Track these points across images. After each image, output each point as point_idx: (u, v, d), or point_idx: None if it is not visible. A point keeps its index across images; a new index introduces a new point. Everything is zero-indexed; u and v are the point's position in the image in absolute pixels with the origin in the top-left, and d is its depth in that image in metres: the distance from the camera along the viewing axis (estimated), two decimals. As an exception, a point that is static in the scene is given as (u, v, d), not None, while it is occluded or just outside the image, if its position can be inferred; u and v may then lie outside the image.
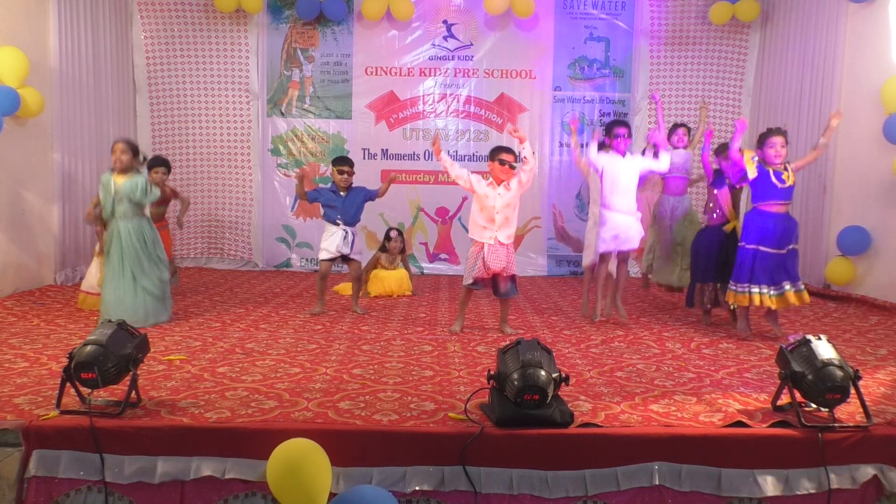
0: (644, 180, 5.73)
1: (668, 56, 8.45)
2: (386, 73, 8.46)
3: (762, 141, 4.76)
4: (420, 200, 8.53)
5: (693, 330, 5.20)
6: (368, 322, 5.33)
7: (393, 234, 6.89)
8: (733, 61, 8.43)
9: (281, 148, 8.52)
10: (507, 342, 3.20)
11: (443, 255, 8.63)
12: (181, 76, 8.37)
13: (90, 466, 2.92)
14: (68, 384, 3.07)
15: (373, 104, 8.49)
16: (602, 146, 5.44)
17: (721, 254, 5.15)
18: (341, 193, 5.69)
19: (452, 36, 8.45)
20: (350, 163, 5.81)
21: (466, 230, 5.42)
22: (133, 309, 4.87)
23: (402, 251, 6.97)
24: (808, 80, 7.25)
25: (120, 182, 4.95)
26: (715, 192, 5.28)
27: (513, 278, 4.97)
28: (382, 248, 6.92)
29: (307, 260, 8.49)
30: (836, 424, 3.05)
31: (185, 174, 8.38)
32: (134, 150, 5.05)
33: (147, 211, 5.25)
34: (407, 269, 6.98)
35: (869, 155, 6.41)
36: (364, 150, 8.46)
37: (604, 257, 5.43)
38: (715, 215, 5.27)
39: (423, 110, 8.54)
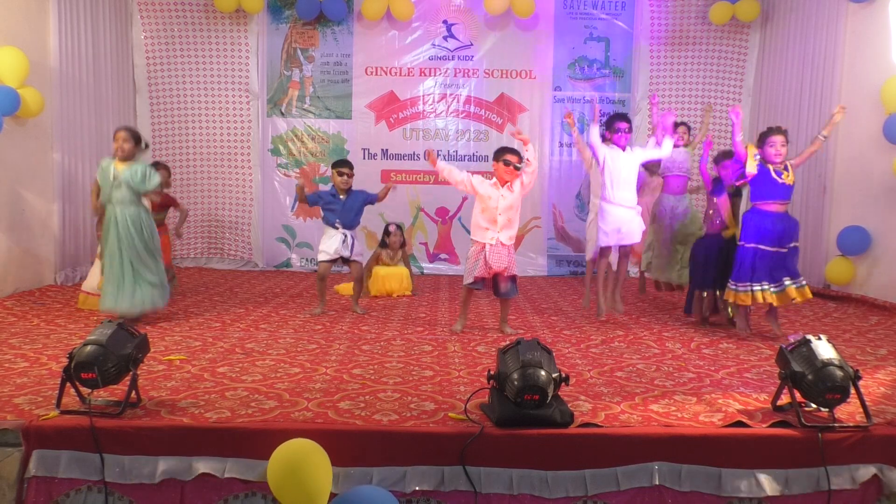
0: (643, 185, 5.70)
1: (668, 56, 8.45)
2: (386, 73, 8.47)
3: (762, 139, 4.76)
4: (420, 200, 8.53)
5: (693, 330, 5.20)
6: (368, 322, 5.33)
7: (392, 228, 6.88)
8: (733, 61, 8.43)
9: (281, 148, 8.52)
10: (507, 342, 3.20)
11: (443, 255, 8.63)
12: (181, 76, 8.37)
13: (90, 466, 2.91)
14: (68, 384, 3.07)
15: (373, 104, 8.49)
16: (603, 139, 5.42)
17: (720, 261, 5.14)
18: (341, 196, 5.68)
19: (452, 36, 8.45)
20: (350, 165, 5.79)
21: (468, 231, 5.42)
22: (130, 295, 4.90)
23: (403, 245, 6.96)
24: (808, 80, 7.25)
25: (120, 168, 4.95)
26: (714, 199, 5.28)
27: (513, 278, 4.97)
28: (382, 244, 6.91)
29: (307, 260, 8.49)
30: (836, 424, 3.05)
31: (185, 174, 8.39)
32: (136, 138, 5.05)
33: (146, 201, 5.23)
34: (408, 267, 6.98)
35: (869, 155, 6.41)
36: (364, 150, 8.46)
37: (604, 252, 5.42)
38: (716, 222, 5.28)
39: (423, 110, 8.54)
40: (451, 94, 8.52)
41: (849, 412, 3.18)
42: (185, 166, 8.41)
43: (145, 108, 8.32)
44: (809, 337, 3.20)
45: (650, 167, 6.37)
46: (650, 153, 5.45)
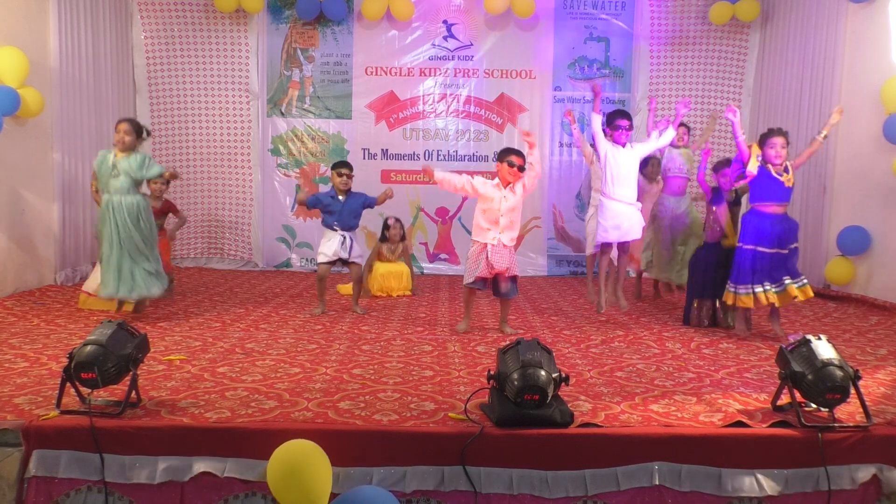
0: (642, 192, 5.67)
1: (668, 56, 8.45)
2: (386, 73, 8.46)
3: (763, 141, 4.75)
4: (420, 200, 8.53)
5: (693, 330, 5.20)
6: (368, 322, 5.33)
7: (391, 221, 6.86)
8: (733, 61, 8.43)
9: (281, 148, 8.52)
10: (507, 342, 3.20)
11: (443, 255, 8.63)
12: (181, 76, 8.37)
13: (90, 466, 2.92)
14: (68, 384, 3.07)
15: (373, 104, 8.49)
16: (604, 133, 5.40)
17: (719, 271, 5.13)
18: (340, 198, 5.67)
19: (452, 36, 8.45)
20: (349, 166, 5.79)
21: (468, 231, 5.43)
22: (129, 281, 4.93)
23: (403, 239, 6.94)
24: (808, 80, 7.25)
25: (120, 157, 4.96)
26: (714, 208, 5.29)
27: (514, 279, 4.97)
28: (382, 238, 6.89)
29: (307, 260, 8.49)
30: (836, 424, 3.05)
31: (185, 174, 8.38)
32: (138, 130, 5.06)
33: (144, 188, 5.24)
34: (409, 262, 6.96)
35: (869, 155, 6.41)
36: (364, 150, 8.46)
37: (605, 248, 5.42)
38: (716, 230, 5.28)
39: (423, 110, 8.54)
40: (451, 94, 8.52)
41: (849, 412, 3.18)
42: (186, 166, 8.41)
43: (145, 108, 8.31)
44: (809, 337, 3.20)
45: (649, 174, 6.37)
46: (650, 145, 5.41)
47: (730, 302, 4.88)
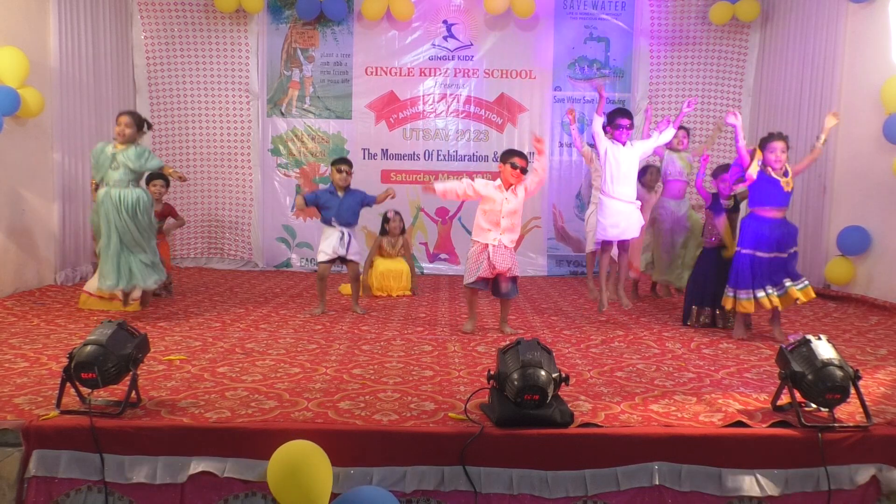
0: (641, 202, 5.66)
1: (668, 56, 8.45)
2: (386, 73, 8.47)
3: (763, 145, 4.74)
4: (420, 200, 8.52)
5: (693, 330, 5.20)
6: (368, 322, 5.33)
7: (391, 214, 6.84)
8: (733, 61, 8.43)
9: (281, 148, 8.52)
10: (507, 342, 3.20)
11: (443, 255, 8.63)
12: (181, 76, 8.37)
13: (90, 466, 2.92)
14: (68, 384, 3.07)
15: (373, 104, 8.49)
16: (603, 132, 5.40)
17: (718, 279, 5.12)
18: (339, 194, 5.68)
19: (452, 36, 8.45)
20: (349, 162, 5.80)
21: (468, 231, 5.42)
22: (127, 273, 4.95)
23: (403, 232, 6.92)
24: (808, 80, 7.25)
25: (119, 149, 4.96)
26: (713, 215, 5.31)
27: (514, 279, 4.97)
28: (383, 231, 6.87)
29: (307, 260, 8.49)
30: (836, 424, 3.05)
31: (185, 174, 8.36)
32: (139, 123, 5.07)
33: (143, 182, 5.24)
34: (409, 261, 6.94)
35: (869, 155, 6.41)
36: (364, 150, 8.46)
37: (605, 247, 5.42)
38: (713, 239, 5.30)
39: (423, 110, 8.54)
40: (451, 94, 8.52)
41: (849, 412, 3.18)
42: (186, 166, 8.40)
43: (145, 108, 8.31)
44: (809, 337, 3.20)
45: (647, 182, 6.35)
46: (651, 143, 5.43)
47: (729, 307, 4.86)
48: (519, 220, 4.97)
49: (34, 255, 6.45)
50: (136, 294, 5.38)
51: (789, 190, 4.70)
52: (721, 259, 5.21)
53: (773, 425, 3.08)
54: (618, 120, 5.27)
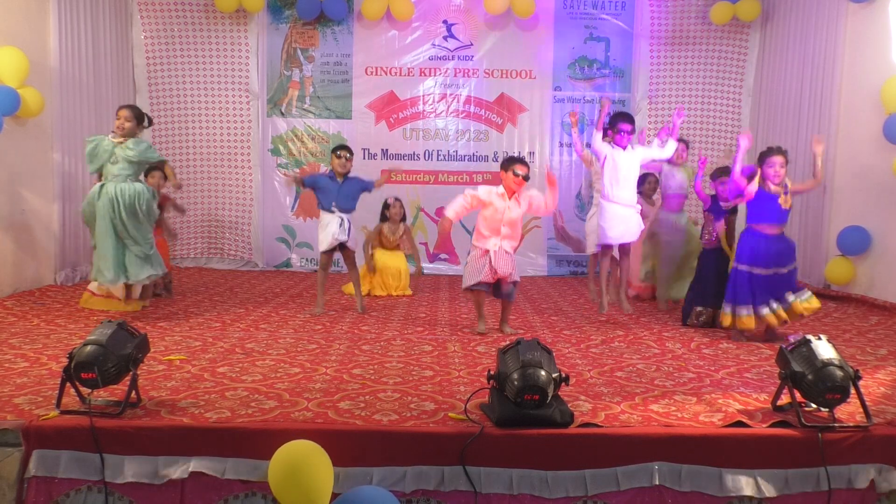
0: (641, 214, 5.65)
1: (668, 56, 8.45)
2: (386, 73, 8.47)
3: (762, 159, 4.74)
4: (420, 200, 8.53)
5: (693, 330, 5.20)
6: (368, 322, 5.33)
7: (391, 200, 6.81)
8: (733, 61, 8.43)
9: (281, 148, 8.52)
10: (507, 342, 3.20)
11: (443, 255, 8.63)
12: (181, 76, 8.37)
13: (90, 466, 2.91)
14: (68, 384, 3.07)
15: (373, 104, 8.49)
16: (604, 134, 5.40)
17: (718, 279, 5.12)
18: (338, 180, 5.67)
19: (452, 36, 8.45)
20: (349, 149, 5.77)
21: (468, 231, 5.41)
22: (125, 267, 4.96)
23: (404, 219, 6.88)
24: (808, 80, 7.25)
25: (118, 143, 4.96)
26: (712, 217, 5.31)
27: (514, 283, 4.97)
28: (383, 218, 6.82)
29: (307, 260, 8.49)
30: (836, 424, 3.05)
31: (185, 174, 8.38)
32: (139, 117, 5.06)
33: (142, 177, 5.23)
34: (412, 245, 6.86)
35: (869, 155, 6.41)
36: (364, 150, 8.45)
37: (605, 250, 5.43)
38: (713, 238, 5.30)
39: (423, 110, 8.54)
40: (451, 94, 8.52)
41: (849, 412, 3.18)
42: (185, 166, 8.41)
43: (145, 108, 8.27)
44: (809, 337, 3.20)
45: (646, 191, 6.33)
46: (652, 152, 5.44)
47: (727, 324, 4.79)
48: (519, 227, 4.98)
49: (34, 255, 6.45)
50: (136, 293, 5.38)
51: (787, 207, 4.70)
52: (721, 259, 5.20)
53: (773, 425, 3.08)
54: (619, 124, 5.28)
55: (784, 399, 3.23)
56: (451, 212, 4.92)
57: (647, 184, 6.38)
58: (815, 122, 7.07)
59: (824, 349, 3.10)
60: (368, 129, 8.50)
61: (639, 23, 8.42)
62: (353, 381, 3.66)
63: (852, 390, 3.03)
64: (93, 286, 5.64)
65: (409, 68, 8.47)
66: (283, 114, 8.50)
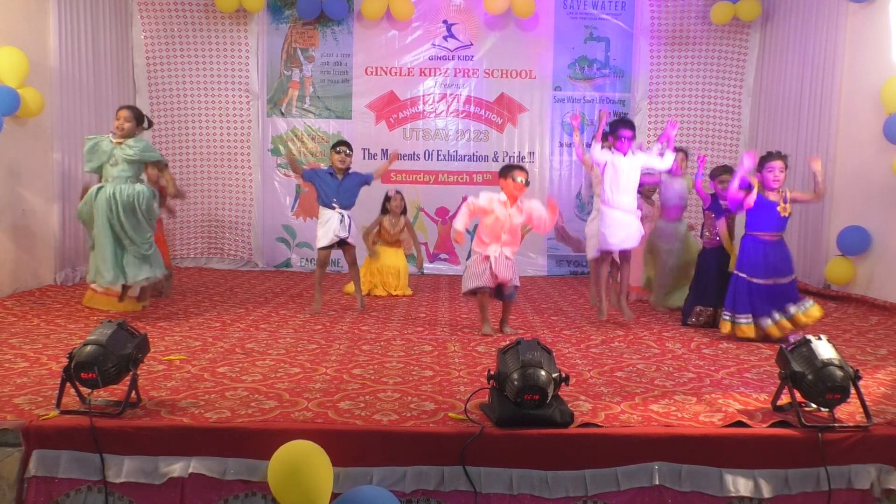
0: (642, 215, 5.65)
1: (668, 56, 8.45)
2: (386, 73, 8.47)
3: (761, 165, 4.74)
4: (420, 200, 8.53)
5: (693, 330, 5.20)
6: (368, 322, 5.33)
7: (392, 192, 6.78)
8: (733, 61, 8.43)
9: (281, 148, 8.51)
10: (507, 342, 3.20)
11: (443, 255, 8.63)
12: (181, 76, 8.37)
13: (90, 466, 2.91)
14: (68, 384, 3.07)
15: (373, 104, 8.49)
16: (605, 140, 5.41)
17: (720, 278, 5.12)
18: (338, 176, 5.67)
19: (452, 36, 8.45)
20: (349, 145, 5.77)
21: (468, 232, 5.40)
22: (124, 267, 4.95)
23: (405, 212, 6.85)
24: (808, 80, 7.25)
25: (117, 144, 4.95)
26: (713, 215, 5.31)
27: (515, 287, 4.97)
28: (384, 210, 6.79)
29: (307, 260, 8.49)
30: (836, 424, 3.05)
31: (185, 174, 8.38)
32: (139, 118, 5.05)
33: (144, 177, 5.22)
34: (413, 236, 6.85)
35: (869, 155, 6.41)
36: (364, 150, 8.45)
37: (604, 256, 5.43)
38: (714, 237, 5.29)
39: (423, 110, 8.55)
40: (451, 94, 8.52)
41: (849, 412, 3.18)
42: (186, 166, 8.41)
43: (145, 108, 8.29)
44: (809, 337, 3.20)
45: (647, 193, 6.32)
46: (652, 161, 5.42)
47: (726, 331, 4.79)
48: (519, 233, 4.99)
49: (34, 255, 6.45)
50: (134, 292, 5.38)
51: (786, 215, 4.71)
52: (722, 258, 5.20)
53: (773, 425, 3.08)
54: (620, 131, 5.27)
55: (784, 399, 3.23)
56: (459, 224, 4.94)
57: (647, 186, 6.36)
58: (815, 122, 7.07)
59: (824, 349, 3.10)
60: (368, 129, 8.50)
61: (639, 23, 8.42)
62: (353, 381, 3.66)
63: (852, 390, 3.03)
64: (95, 284, 5.64)
65: (409, 68, 8.47)
66: (283, 114, 8.50)
